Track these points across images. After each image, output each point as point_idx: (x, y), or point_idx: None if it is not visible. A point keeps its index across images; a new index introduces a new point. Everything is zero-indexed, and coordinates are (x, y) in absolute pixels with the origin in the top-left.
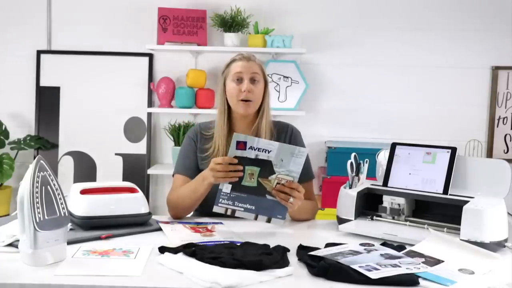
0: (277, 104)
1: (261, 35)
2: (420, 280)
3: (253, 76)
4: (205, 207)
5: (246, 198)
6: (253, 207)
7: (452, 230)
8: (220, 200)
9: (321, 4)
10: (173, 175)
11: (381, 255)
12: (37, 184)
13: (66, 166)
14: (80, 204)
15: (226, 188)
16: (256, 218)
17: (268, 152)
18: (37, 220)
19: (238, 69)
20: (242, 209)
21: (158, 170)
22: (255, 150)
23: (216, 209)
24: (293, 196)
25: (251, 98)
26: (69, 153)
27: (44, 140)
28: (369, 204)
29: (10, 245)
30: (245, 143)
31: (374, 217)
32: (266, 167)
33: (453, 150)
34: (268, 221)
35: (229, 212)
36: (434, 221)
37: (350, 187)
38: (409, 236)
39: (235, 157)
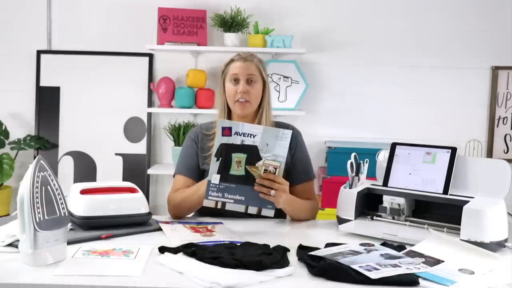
0: (277, 104)
1: (261, 35)
2: (420, 280)
3: (249, 77)
4: (207, 207)
5: (235, 188)
6: (243, 198)
7: (452, 230)
8: (210, 192)
9: (321, 4)
10: (173, 176)
11: (381, 255)
12: (37, 184)
13: (66, 166)
14: (80, 204)
15: (215, 179)
16: (246, 210)
17: (253, 137)
18: (37, 220)
19: (235, 70)
20: (232, 201)
21: (158, 170)
22: (240, 135)
23: (206, 203)
24: (274, 188)
25: (247, 99)
26: (69, 153)
27: (44, 140)
28: (369, 204)
29: (10, 245)
30: (230, 128)
31: (374, 217)
32: (252, 154)
33: (453, 150)
34: (259, 212)
35: (219, 206)
36: (434, 221)
37: (350, 187)
38: (409, 236)
39: (221, 145)
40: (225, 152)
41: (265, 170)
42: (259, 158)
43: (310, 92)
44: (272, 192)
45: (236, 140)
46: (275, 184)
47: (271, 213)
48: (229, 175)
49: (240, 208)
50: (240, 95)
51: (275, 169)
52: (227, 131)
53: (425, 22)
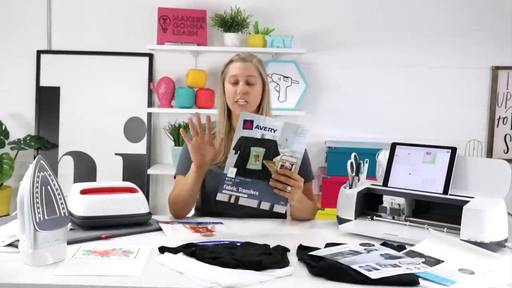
0: (277, 104)
1: (261, 35)
2: (420, 280)
3: (248, 78)
4: (207, 206)
5: (250, 183)
6: (257, 193)
7: (452, 230)
8: (225, 186)
9: (321, 4)
10: (174, 177)
11: (381, 255)
12: (37, 184)
13: (66, 166)
14: (80, 204)
15: (231, 172)
16: (259, 206)
17: (274, 131)
18: (37, 220)
19: (234, 71)
20: (246, 196)
21: (158, 170)
22: (261, 129)
23: (219, 196)
24: (290, 184)
25: (246, 99)
26: (69, 153)
27: (44, 140)
28: (369, 204)
29: (10, 245)
30: (252, 121)
31: (374, 217)
32: (271, 148)
33: (453, 150)
34: (271, 208)
35: (232, 200)
36: (434, 221)
37: (350, 187)
38: (409, 236)
39: (241, 138)
40: (244, 145)
41: (282, 166)
42: (277, 153)
43: (310, 92)
44: (288, 188)
45: (256, 133)
46: (291, 181)
47: (283, 209)
48: (246, 169)
49: (253, 204)
50: (240, 96)
51: (292, 165)
52: (248, 124)
53: (425, 22)
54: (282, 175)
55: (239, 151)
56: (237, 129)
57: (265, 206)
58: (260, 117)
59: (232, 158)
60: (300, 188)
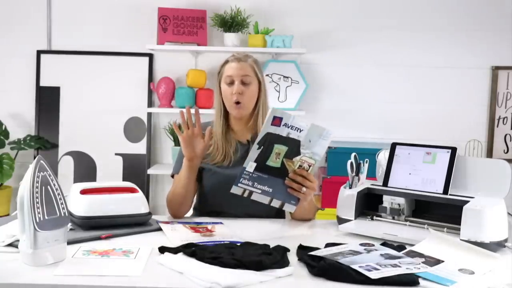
0: (277, 104)
1: (261, 35)
2: (420, 280)
3: (243, 78)
4: (204, 206)
5: (266, 179)
6: (271, 190)
7: (452, 230)
8: (241, 180)
9: (321, 4)
10: (172, 176)
11: (381, 255)
12: (37, 184)
13: (66, 166)
14: (80, 204)
15: (251, 167)
16: (270, 202)
17: (300, 131)
18: (37, 220)
19: (229, 71)
20: (260, 191)
21: (158, 170)
22: (288, 127)
23: (234, 189)
24: (305, 185)
25: (241, 100)
26: (69, 153)
27: (44, 140)
28: (369, 204)
29: (10, 245)
30: (281, 119)
31: (374, 217)
32: (293, 148)
33: (453, 150)
34: (281, 206)
35: (245, 194)
36: (434, 221)
37: (350, 187)
38: (409, 236)
39: (267, 134)
40: (268, 141)
41: (300, 166)
42: (299, 153)
43: (310, 92)
44: (303, 189)
45: (282, 131)
46: (307, 182)
47: (292, 208)
48: (265, 166)
49: (265, 200)
50: (235, 96)
51: (309, 166)
52: (277, 121)
53: (425, 22)
54: (299, 175)
55: (262, 147)
56: (265, 124)
57: (276, 203)
58: (289, 115)
59: (254, 152)
60: (315, 190)
